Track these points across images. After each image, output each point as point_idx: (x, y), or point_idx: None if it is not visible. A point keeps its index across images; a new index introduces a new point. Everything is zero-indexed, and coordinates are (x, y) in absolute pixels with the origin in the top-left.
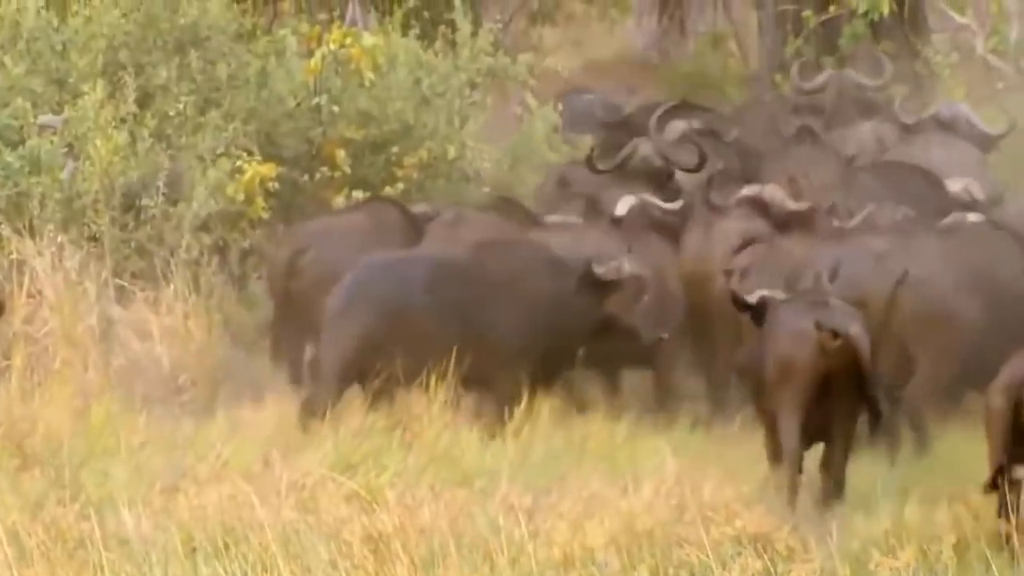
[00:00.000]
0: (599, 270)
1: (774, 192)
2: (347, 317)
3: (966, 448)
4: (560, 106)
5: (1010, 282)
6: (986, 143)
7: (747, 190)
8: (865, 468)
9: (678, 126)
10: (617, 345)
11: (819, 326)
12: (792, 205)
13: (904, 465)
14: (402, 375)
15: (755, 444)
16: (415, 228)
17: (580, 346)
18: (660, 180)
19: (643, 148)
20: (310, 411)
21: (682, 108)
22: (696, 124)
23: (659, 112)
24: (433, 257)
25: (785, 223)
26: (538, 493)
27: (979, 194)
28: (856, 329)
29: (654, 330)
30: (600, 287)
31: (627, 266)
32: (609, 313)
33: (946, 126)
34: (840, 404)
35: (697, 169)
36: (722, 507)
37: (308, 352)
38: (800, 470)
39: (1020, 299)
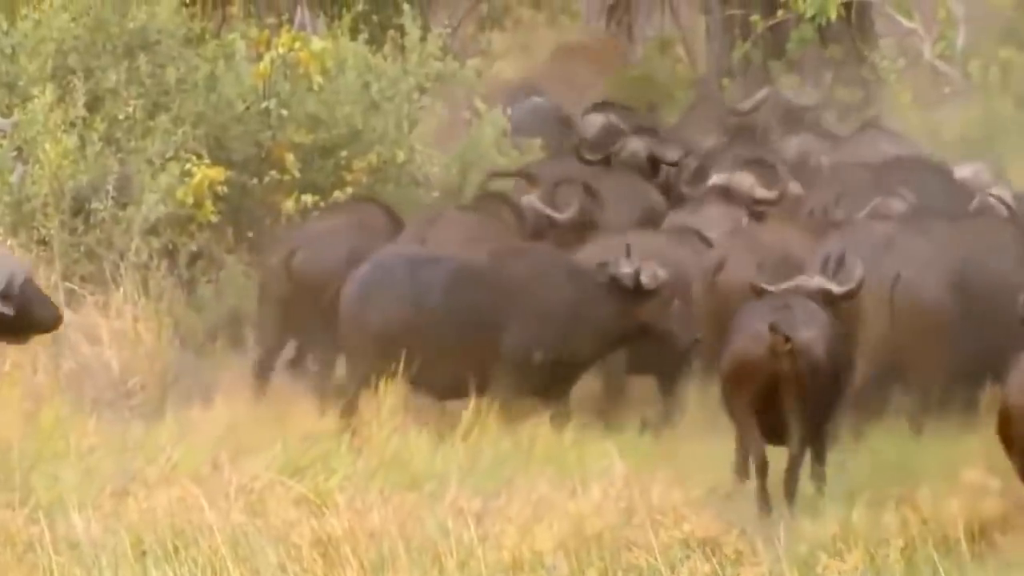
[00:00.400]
0: (644, 279)
1: (743, 180)
2: (364, 313)
3: (913, 451)
4: (508, 110)
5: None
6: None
7: (716, 178)
8: (807, 474)
9: (597, 120)
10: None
11: (773, 328)
12: (762, 193)
13: (852, 469)
14: (415, 376)
15: (704, 447)
16: (400, 228)
17: (606, 353)
18: (647, 174)
19: (632, 143)
20: (349, 411)
21: (605, 105)
22: (613, 119)
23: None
24: (453, 259)
25: (756, 211)
26: (487, 497)
27: (988, 179)
28: (809, 335)
29: (689, 333)
30: (635, 294)
31: (662, 273)
32: (644, 320)
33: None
34: (794, 407)
35: (676, 164)
36: (671, 510)
37: (293, 350)
38: (762, 471)
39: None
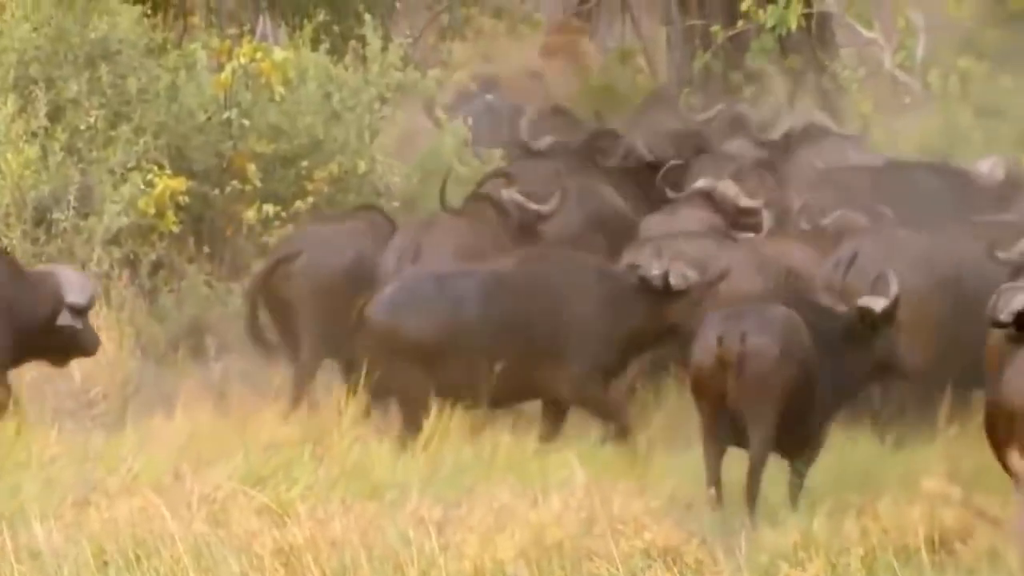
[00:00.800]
0: (673, 279)
1: (728, 187)
2: (397, 330)
3: (874, 459)
4: (468, 119)
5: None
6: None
7: (701, 183)
8: (773, 480)
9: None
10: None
11: (720, 340)
12: (746, 202)
13: (812, 477)
14: (448, 389)
15: (665, 457)
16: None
17: (639, 355)
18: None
19: (637, 146)
20: (413, 427)
21: (556, 111)
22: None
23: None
24: (485, 270)
25: (736, 219)
26: (448, 506)
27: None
28: (758, 343)
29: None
30: (664, 295)
31: (691, 273)
32: (674, 321)
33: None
34: (746, 415)
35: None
36: (631, 520)
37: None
38: (713, 478)
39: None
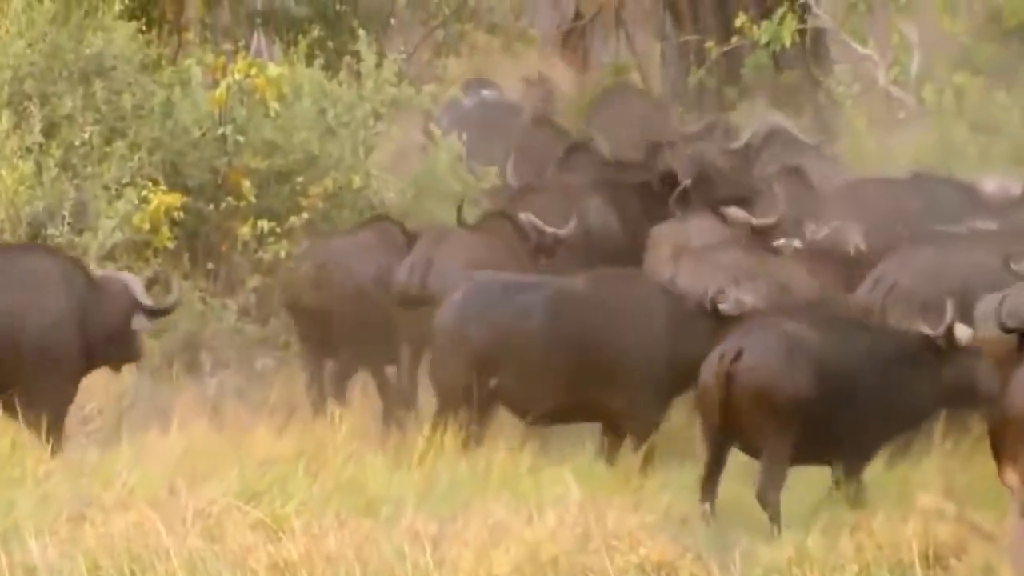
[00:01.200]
0: (723, 306)
1: (736, 212)
2: (459, 337)
3: (869, 475)
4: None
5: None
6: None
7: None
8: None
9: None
10: None
11: (720, 357)
12: (760, 220)
13: (807, 493)
14: (509, 401)
15: (659, 472)
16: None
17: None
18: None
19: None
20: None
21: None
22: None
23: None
24: (551, 284)
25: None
26: (443, 521)
27: (1015, 190)
28: (751, 361)
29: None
30: (721, 320)
31: (748, 299)
32: None
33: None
34: (748, 430)
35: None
36: (626, 535)
37: (330, 365)
38: (708, 493)
39: None
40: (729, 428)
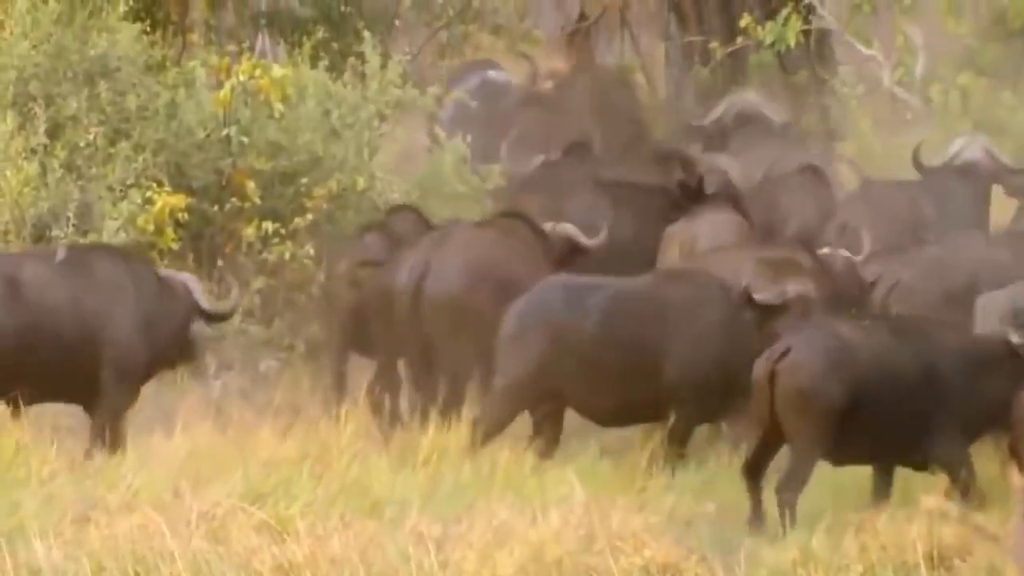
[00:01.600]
0: (759, 296)
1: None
2: (523, 340)
3: (868, 476)
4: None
5: None
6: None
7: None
8: (772, 497)
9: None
10: None
11: (769, 355)
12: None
13: (810, 493)
14: (574, 403)
15: (664, 473)
16: None
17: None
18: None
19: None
20: (484, 434)
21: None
22: None
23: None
24: (612, 285)
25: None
26: (447, 523)
27: None
28: (794, 360)
29: None
30: (764, 312)
31: (790, 289)
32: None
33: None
34: (788, 427)
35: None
36: (631, 537)
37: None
38: (753, 485)
39: None
40: (775, 426)
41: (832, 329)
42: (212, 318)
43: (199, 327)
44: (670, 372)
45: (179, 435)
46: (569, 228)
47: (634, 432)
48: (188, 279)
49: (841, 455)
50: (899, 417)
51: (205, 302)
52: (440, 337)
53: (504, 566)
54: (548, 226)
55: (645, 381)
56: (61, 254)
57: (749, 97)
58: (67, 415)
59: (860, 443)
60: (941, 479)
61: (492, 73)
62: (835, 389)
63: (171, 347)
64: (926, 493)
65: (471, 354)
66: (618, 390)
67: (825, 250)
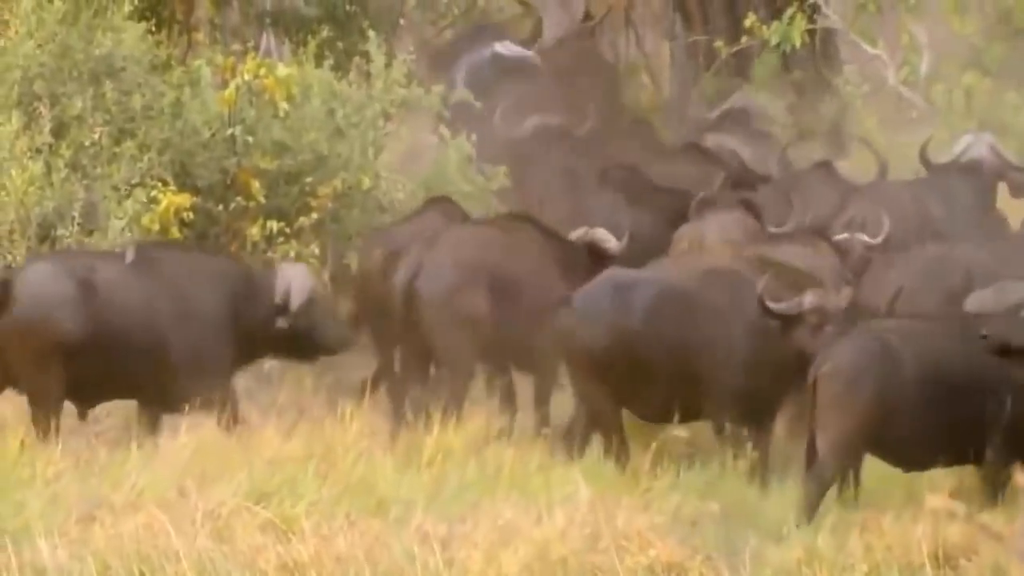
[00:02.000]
0: (775, 306)
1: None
2: (573, 339)
3: (878, 475)
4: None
5: None
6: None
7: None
8: (777, 496)
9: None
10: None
11: (818, 358)
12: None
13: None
14: (621, 399)
15: (669, 473)
16: None
17: (789, 385)
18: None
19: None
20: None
21: None
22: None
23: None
24: (658, 281)
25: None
26: (453, 522)
27: None
28: (832, 367)
29: None
30: (786, 320)
31: (808, 299)
32: (798, 347)
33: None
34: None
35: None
36: (636, 536)
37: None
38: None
39: None
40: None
41: (876, 336)
42: (282, 313)
43: (281, 322)
44: (708, 370)
45: (184, 434)
46: (599, 233)
47: (634, 432)
48: (282, 270)
49: (905, 459)
50: (944, 423)
51: (279, 296)
52: (436, 336)
53: (509, 565)
54: (578, 232)
55: (686, 379)
56: (131, 255)
57: (744, 100)
58: (69, 415)
59: (918, 446)
60: (946, 479)
61: (500, 47)
62: (861, 397)
63: (261, 338)
64: (931, 493)
65: (469, 354)
66: (661, 387)
67: (843, 236)
